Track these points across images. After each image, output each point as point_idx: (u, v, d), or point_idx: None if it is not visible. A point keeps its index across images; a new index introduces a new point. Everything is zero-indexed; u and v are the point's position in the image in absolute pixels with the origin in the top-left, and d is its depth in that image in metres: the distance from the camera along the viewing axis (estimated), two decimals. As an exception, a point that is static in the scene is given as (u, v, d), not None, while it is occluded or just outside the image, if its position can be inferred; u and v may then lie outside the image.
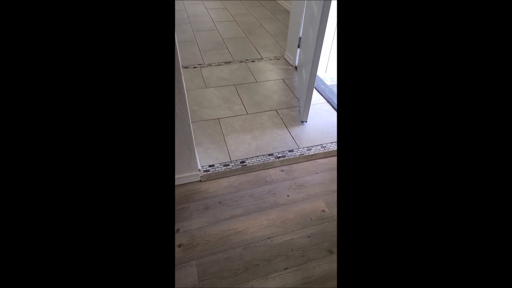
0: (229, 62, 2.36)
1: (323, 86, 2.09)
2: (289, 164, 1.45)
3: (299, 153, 1.50)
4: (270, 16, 3.35)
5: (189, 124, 1.14)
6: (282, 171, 1.41)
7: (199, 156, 1.45)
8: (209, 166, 1.40)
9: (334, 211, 1.22)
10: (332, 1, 1.24)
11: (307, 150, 1.53)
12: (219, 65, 2.32)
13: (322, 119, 1.77)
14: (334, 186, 1.33)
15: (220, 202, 1.24)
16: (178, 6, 3.57)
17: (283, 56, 2.48)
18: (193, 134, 1.17)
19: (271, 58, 2.45)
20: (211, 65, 2.31)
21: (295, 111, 1.82)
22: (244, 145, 1.54)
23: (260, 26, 3.06)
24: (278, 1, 3.83)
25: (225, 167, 1.40)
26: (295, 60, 2.29)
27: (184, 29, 2.92)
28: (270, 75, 2.21)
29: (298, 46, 2.19)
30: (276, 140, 1.58)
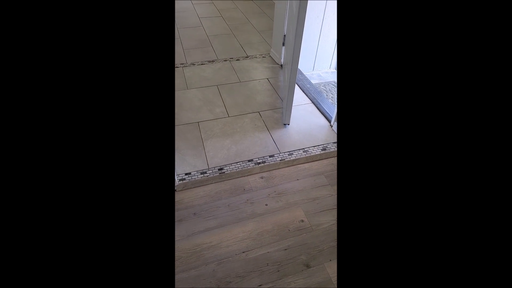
0: (213, 61, 2.28)
1: (308, 86, 2.03)
2: (269, 171, 1.40)
3: (280, 158, 1.45)
4: (258, 11, 3.25)
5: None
6: (262, 178, 1.36)
7: (176, 164, 1.39)
8: (186, 174, 1.35)
9: (313, 221, 1.18)
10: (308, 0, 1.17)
11: (288, 155, 1.48)
12: (202, 64, 2.24)
13: (305, 121, 1.72)
14: (314, 194, 1.29)
15: (195, 214, 1.19)
16: (163, 1, 3.45)
17: (268, 54, 2.41)
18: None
19: (257, 56, 2.38)
20: (194, 64, 2.23)
21: (278, 113, 1.76)
22: (223, 151, 1.48)
23: (247, 22, 2.97)
24: (266, -6, 3.72)
25: (202, 175, 1.34)
26: (280, 58, 2.22)
27: (168, 26, 2.82)
28: (255, 74, 2.14)
29: (283, 44, 2.11)
30: (256, 145, 1.53)
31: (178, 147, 1.48)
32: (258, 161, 1.43)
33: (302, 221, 1.18)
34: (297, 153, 1.49)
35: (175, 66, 2.20)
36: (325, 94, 2.09)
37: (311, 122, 1.71)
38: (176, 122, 1.65)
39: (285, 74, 1.75)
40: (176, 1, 3.43)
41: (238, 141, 1.54)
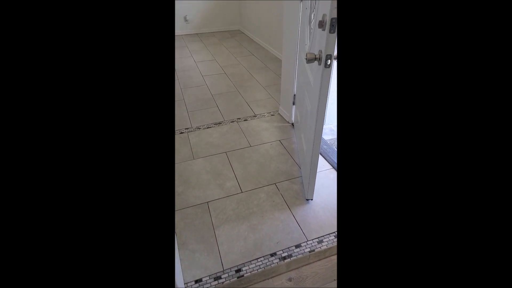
0: (219, 123, 2.15)
1: (325, 147, 1.86)
2: (297, 268, 1.14)
3: (309, 249, 1.20)
4: (261, 65, 3.27)
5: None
6: (290, 280, 1.10)
7: (183, 266, 1.14)
8: (196, 281, 1.09)
9: None
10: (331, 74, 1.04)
11: (318, 243, 1.23)
12: (208, 127, 2.11)
13: (329, 192, 1.50)
14: (360, 302, 1.01)
15: None
16: (166, 61, 3.51)
17: (277, 111, 2.29)
18: (175, 235, 0.89)
19: (265, 114, 2.26)
20: (199, 128, 2.10)
21: (297, 184, 1.56)
22: (239, 242, 1.24)
23: (251, 78, 2.94)
24: (268, 49, 3.80)
25: (216, 282, 1.09)
26: (291, 116, 2.09)
27: (172, 87, 2.78)
28: (265, 136, 1.99)
29: (293, 103, 2.00)
30: (278, 230, 1.29)
31: (185, 241, 1.25)
32: (283, 255, 1.18)
33: None
34: (327, 239, 1.25)
35: (180, 131, 2.07)
36: (344, 154, 1.91)
37: (336, 193, 1.49)
38: (183, 204, 1.44)
39: (303, 143, 1.59)
40: (179, 60, 3.49)
41: (256, 227, 1.31)
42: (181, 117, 2.25)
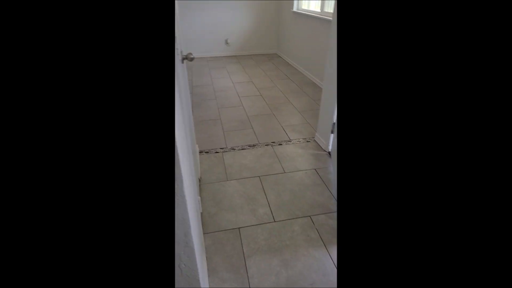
0: (254, 146, 2.15)
1: (365, 181, 1.75)
2: (334, 317, 1.04)
3: (347, 296, 1.10)
4: (296, 89, 3.28)
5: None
6: (325, 330, 1.00)
7: (212, 295, 1.10)
8: (224, 316, 1.04)
9: None
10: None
11: (357, 290, 1.12)
12: (243, 149, 2.11)
13: (370, 232, 1.39)
14: None
15: None
16: (205, 80, 3.68)
17: (313, 137, 2.25)
18: (205, 261, 0.85)
19: (300, 140, 2.23)
20: (234, 149, 2.12)
21: (334, 219, 1.47)
22: (270, 277, 1.18)
23: (287, 101, 2.95)
24: (304, 74, 3.83)
25: (246, 319, 1.02)
26: (328, 145, 2.03)
27: (210, 105, 2.88)
28: (300, 163, 1.94)
29: (332, 132, 1.95)
30: (312, 270, 1.20)
31: (215, 267, 1.21)
32: (318, 299, 1.09)
33: None
34: (368, 287, 1.13)
35: (215, 151, 2.10)
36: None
37: (378, 235, 1.37)
38: (214, 228, 1.42)
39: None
40: (217, 80, 3.64)
41: (289, 262, 1.24)
42: (217, 137, 2.29)
